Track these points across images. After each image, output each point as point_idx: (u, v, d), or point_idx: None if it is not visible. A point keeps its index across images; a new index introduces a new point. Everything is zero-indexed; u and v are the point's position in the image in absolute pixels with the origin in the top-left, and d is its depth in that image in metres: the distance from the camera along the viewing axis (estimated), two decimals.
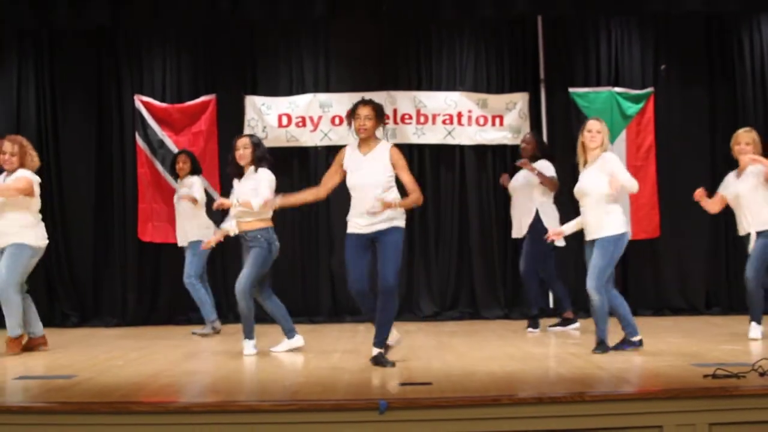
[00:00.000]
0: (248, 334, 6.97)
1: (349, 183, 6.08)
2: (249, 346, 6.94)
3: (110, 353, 7.24)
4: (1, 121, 9.94)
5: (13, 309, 7.08)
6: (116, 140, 10.08)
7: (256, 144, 7.06)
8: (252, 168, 6.99)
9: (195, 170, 8.85)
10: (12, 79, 10.07)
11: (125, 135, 10.04)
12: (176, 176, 8.97)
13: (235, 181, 7.10)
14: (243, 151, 6.96)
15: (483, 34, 10.25)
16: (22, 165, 7.18)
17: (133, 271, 9.91)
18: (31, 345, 7.32)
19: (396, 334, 6.36)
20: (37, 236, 7.22)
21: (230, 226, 7.03)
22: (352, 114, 6.10)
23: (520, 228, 8.58)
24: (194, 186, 8.71)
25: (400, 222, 6.02)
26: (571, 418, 4.59)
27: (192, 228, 8.68)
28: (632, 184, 6.51)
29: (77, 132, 10.09)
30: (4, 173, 7.26)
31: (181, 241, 8.80)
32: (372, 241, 6.02)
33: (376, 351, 6.06)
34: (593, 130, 6.52)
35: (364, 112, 6.03)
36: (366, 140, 6.08)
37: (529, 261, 8.43)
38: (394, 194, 6.02)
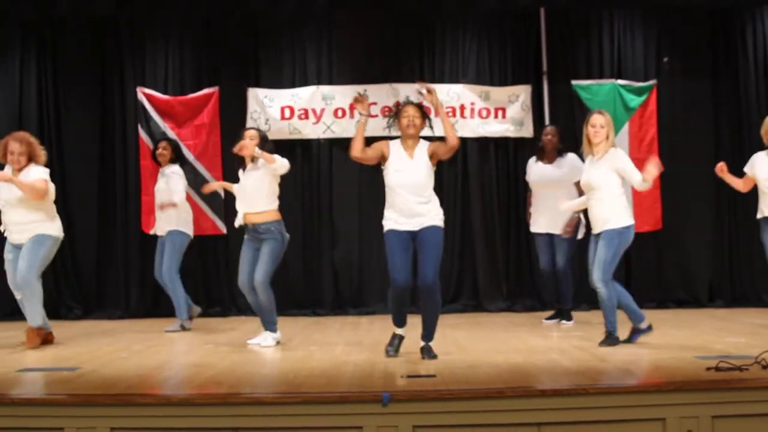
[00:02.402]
0: (270, 327, 7.09)
1: (391, 181, 6.10)
2: (270, 338, 7.06)
3: (114, 345, 7.26)
4: (3, 113, 9.96)
5: (36, 299, 7.13)
6: (119, 132, 10.07)
7: (264, 138, 7.15)
8: (255, 161, 7.10)
9: (176, 159, 8.63)
10: (14, 70, 10.05)
11: (128, 127, 10.03)
12: (158, 163, 8.70)
13: (240, 172, 7.21)
14: (249, 142, 7.03)
15: (486, 27, 10.22)
16: (29, 162, 7.20)
17: (136, 264, 9.90)
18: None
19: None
20: (55, 227, 7.32)
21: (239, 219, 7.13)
22: (396, 112, 6.19)
23: (556, 224, 8.32)
24: (172, 178, 8.45)
25: (441, 221, 6.17)
26: (575, 411, 4.60)
27: (171, 217, 8.43)
28: (641, 184, 6.56)
29: (79, 124, 10.07)
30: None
31: (160, 230, 8.51)
32: (413, 237, 6.10)
33: (423, 343, 6.18)
34: (597, 125, 6.56)
35: (412, 110, 6.12)
36: (412, 139, 6.13)
37: (568, 257, 8.39)
38: (430, 193, 6.16)
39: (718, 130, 10.13)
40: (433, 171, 6.18)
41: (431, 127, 6.33)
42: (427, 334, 6.20)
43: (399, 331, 6.29)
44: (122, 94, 10.08)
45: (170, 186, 8.41)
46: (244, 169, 7.16)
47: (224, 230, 9.73)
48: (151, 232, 8.77)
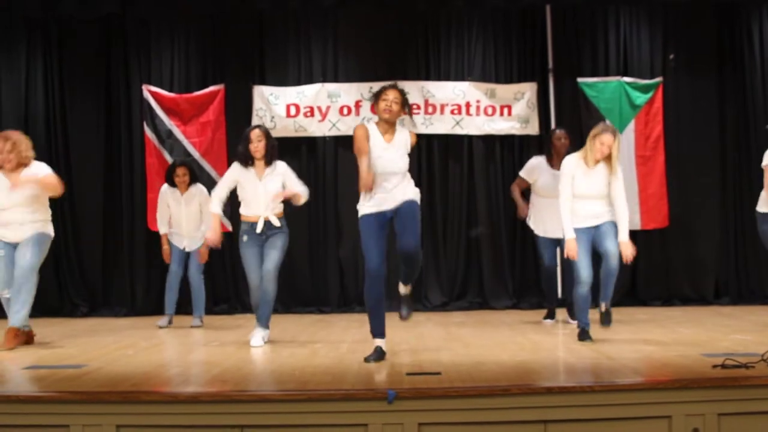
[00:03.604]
0: (265, 323, 6.99)
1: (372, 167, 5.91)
2: (259, 337, 6.95)
3: (120, 343, 7.27)
4: (10, 111, 9.98)
5: (31, 296, 6.95)
6: (124, 130, 10.08)
7: (269, 136, 7.13)
8: (266, 162, 7.05)
9: (193, 179, 8.71)
10: (21, 68, 10.06)
11: (133, 125, 10.04)
12: (172, 184, 8.64)
13: (247, 171, 7.09)
14: (257, 144, 6.99)
15: (491, 24, 10.20)
16: (19, 160, 6.98)
17: (141, 261, 9.91)
18: None
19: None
20: (51, 227, 7.23)
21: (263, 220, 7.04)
22: (377, 95, 5.94)
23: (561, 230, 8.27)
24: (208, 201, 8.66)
25: (417, 196, 5.97)
26: (581, 408, 4.59)
27: (199, 231, 8.57)
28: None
29: (85, 122, 10.09)
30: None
31: (191, 246, 8.65)
32: (390, 219, 5.91)
33: (402, 289, 6.17)
34: (606, 144, 6.58)
35: (393, 95, 5.90)
36: (388, 125, 5.93)
37: None
38: (406, 175, 5.96)
39: (724, 127, 10.10)
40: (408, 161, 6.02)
41: (410, 114, 6.27)
42: (406, 278, 6.10)
43: (379, 342, 5.96)
44: (128, 92, 10.09)
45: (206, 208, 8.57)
46: (246, 167, 7.06)
47: (230, 228, 9.72)
48: (185, 248, 8.67)
